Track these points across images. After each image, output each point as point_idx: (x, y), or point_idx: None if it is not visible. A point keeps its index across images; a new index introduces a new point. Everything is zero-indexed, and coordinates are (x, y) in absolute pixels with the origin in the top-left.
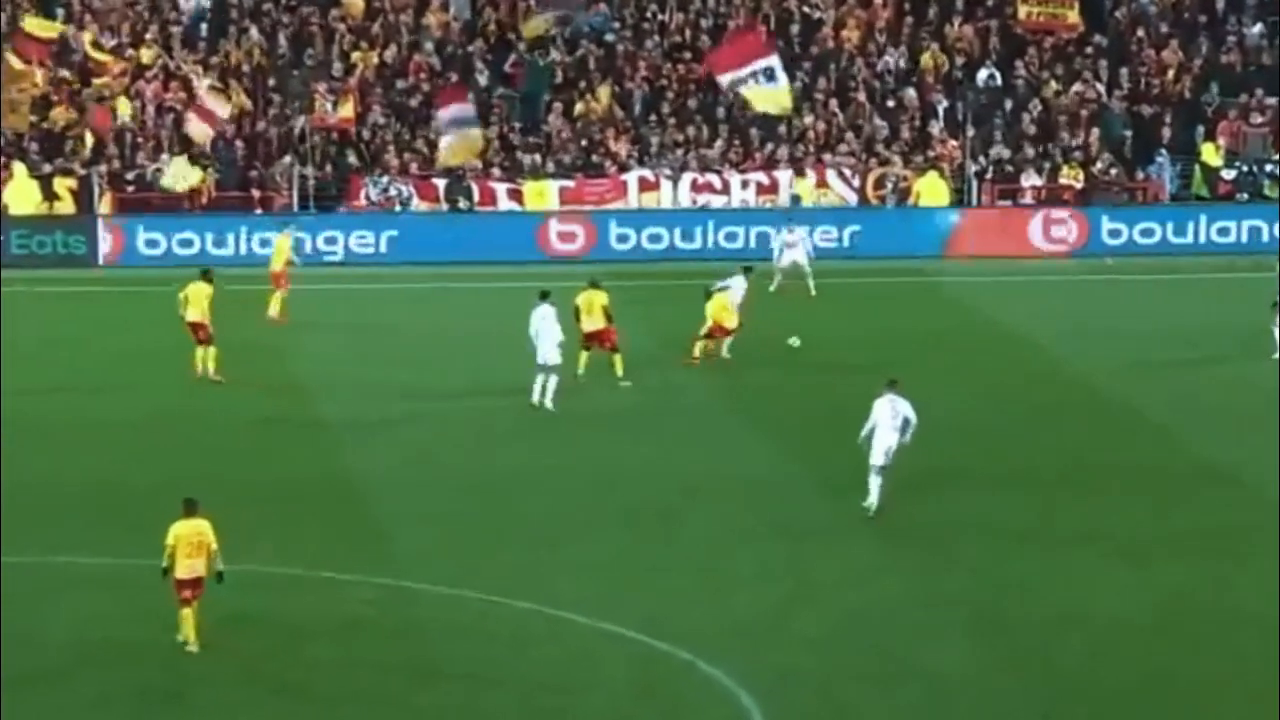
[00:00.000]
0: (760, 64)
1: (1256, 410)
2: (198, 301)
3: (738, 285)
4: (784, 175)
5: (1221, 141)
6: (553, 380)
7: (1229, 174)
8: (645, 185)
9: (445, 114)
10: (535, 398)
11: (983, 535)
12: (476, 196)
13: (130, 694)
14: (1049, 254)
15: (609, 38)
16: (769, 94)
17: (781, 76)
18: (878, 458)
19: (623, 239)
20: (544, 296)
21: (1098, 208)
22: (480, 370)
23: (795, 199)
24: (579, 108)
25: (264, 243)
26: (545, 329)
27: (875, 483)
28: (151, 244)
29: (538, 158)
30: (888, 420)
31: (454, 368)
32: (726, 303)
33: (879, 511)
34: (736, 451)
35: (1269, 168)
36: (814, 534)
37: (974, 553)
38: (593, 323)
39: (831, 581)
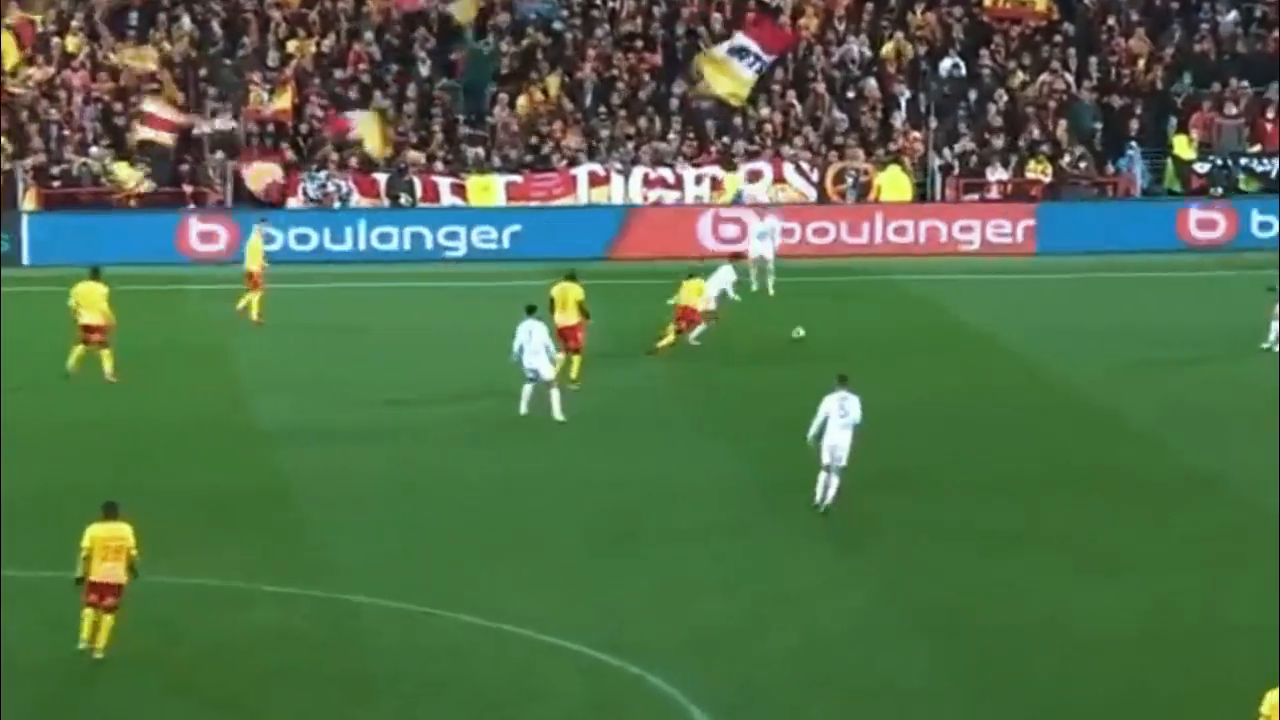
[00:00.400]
0: (768, 56)
1: (1241, 412)
2: (93, 302)
3: (723, 274)
4: (739, 169)
5: (1194, 134)
6: (554, 393)
7: (1202, 167)
8: (595, 180)
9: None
10: (524, 409)
11: (954, 542)
12: (420, 192)
13: (56, 710)
14: (717, 254)
15: (556, 25)
16: (737, 77)
17: (758, 71)
18: (826, 456)
19: (268, 239)
20: (530, 311)
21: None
22: (427, 374)
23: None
24: (525, 99)
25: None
26: (531, 343)
27: (824, 480)
28: (79, 241)
29: (481, 151)
30: (836, 418)
31: (394, 370)
32: (702, 287)
33: (838, 513)
34: (695, 455)
35: (1244, 161)
36: (776, 541)
37: (944, 560)
38: (566, 318)
39: (794, 592)
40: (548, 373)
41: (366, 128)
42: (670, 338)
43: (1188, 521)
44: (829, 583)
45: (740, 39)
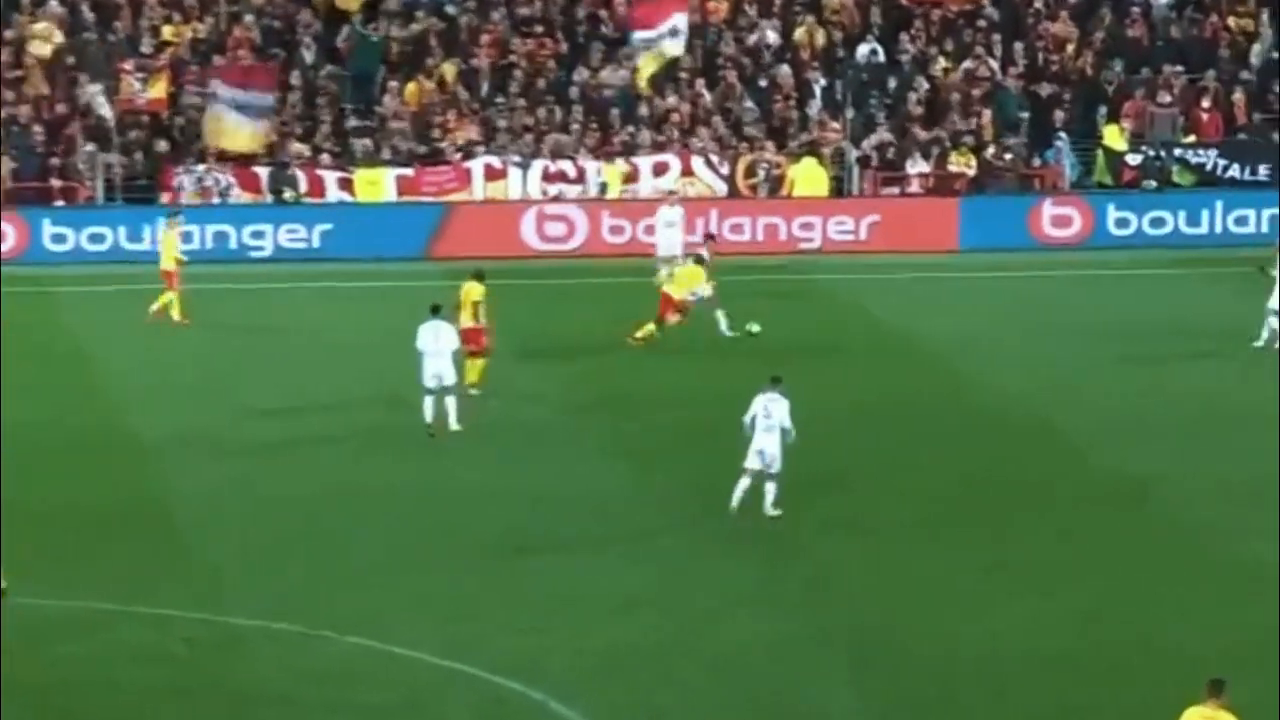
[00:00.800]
0: (673, 22)
1: (1169, 419)
2: None
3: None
4: (644, 162)
5: (1126, 123)
6: (450, 400)
7: (1134, 159)
8: (492, 174)
9: (234, 94)
10: (429, 418)
11: (872, 559)
12: (304, 187)
13: None
14: (544, 254)
15: (450, 9)
16: (660, 54)
17: (682, 34)
18: (750, 459)
19: (59, 239)
20: (435, 311)
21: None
22: (313, 384)
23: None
24: (416, 88)
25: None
26: (436, 345)
27: (743, 485)
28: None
29: (370, 143)
30: (762, 419)
31: (284, 379)
32: (700, 274)
33: (750, 525)
34: (597, 464)
35: (1178, 152)
36: (685, 555)
37: (863, 579)
38: (464, 319)
39: (704, 610)
40: (450, 377)
41: (236, 130)
42: (676, 317)
43: (1115, 535)
44: (741, 600)
45: (643, 34)
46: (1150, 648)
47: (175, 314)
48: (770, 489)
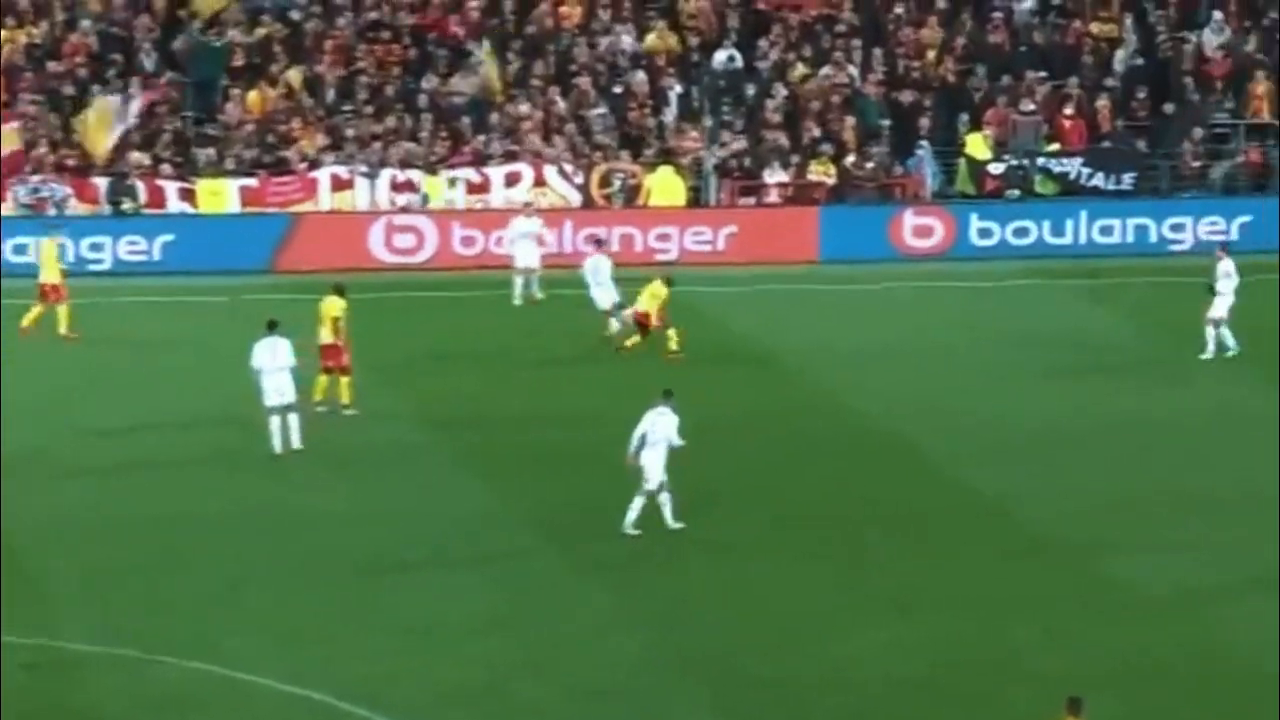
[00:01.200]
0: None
1: (1033, 434)
2: None
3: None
4: (496, 172)
5: (989, 131)
6: (293, 417)
7: (997, 168)
8: (338, 184)
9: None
10: (277, 447)
11: (729, 584)
12: (144, 198)
13: None
14: (393, 266)
15: (294, 14)
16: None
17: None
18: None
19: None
20: (272, 327)
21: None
22: (154, 402)
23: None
24: (257, 95)
25: None
26: (275, 361)
27: (637, 503)
28: None
29: (213, 152)
30: (649, 436)
31: (125, 397)
32: (655, 291)
33: (605, 550)
34: (449, 489)
35: (1041, 161)
36: (541, 580)
37: (722, 601)
38: (324, 335)
39: (560, 636)
40: (291, 394)
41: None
42: (636, 338)
43: (976, 555)
44: (598, 624)
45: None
46: (1010, 670)
47: (63, 329)
48: (635, 504)
